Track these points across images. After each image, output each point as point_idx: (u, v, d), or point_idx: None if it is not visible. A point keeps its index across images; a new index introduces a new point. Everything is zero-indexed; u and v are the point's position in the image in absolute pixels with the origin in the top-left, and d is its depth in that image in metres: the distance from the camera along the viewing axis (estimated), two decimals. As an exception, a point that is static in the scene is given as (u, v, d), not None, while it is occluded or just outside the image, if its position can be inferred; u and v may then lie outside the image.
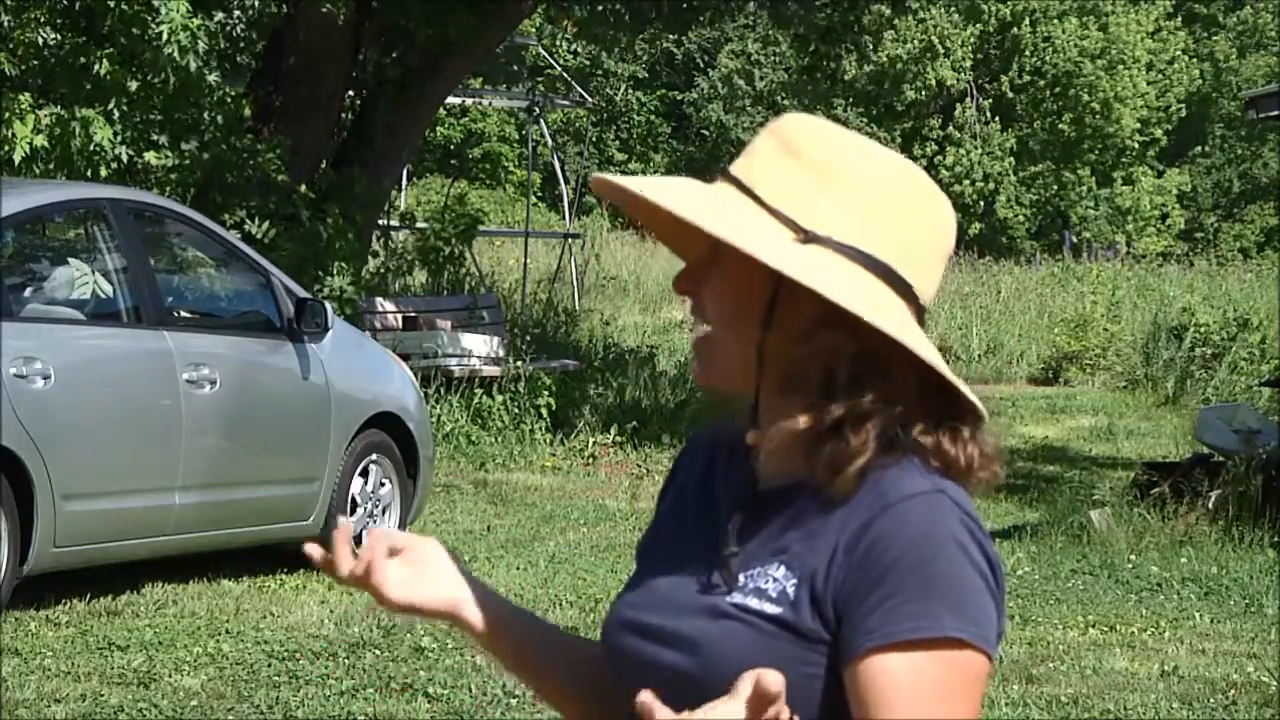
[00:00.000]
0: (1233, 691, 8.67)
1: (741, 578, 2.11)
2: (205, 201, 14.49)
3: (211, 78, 14.23)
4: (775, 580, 2.09)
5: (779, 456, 2.14)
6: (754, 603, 2.09)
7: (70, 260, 10.25)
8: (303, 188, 15.62)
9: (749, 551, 2.12)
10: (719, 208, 2.11)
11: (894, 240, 2.12)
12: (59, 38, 14.10)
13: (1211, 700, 8.51)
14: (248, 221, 14.98)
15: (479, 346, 17.67)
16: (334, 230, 15.81)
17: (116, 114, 13.85)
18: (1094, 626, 10.02)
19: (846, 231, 2.11)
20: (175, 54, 13.61)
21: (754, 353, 2.11)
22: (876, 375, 2.09)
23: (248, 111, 15.33)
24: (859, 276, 2.09)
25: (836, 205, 2.11)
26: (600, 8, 19.15)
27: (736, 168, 2.16)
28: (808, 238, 2.10)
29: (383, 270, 19.53)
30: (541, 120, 25.60)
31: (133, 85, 13.98)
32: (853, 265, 2.10)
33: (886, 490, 2.07)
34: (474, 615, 2.28)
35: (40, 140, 13.41)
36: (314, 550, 2.28)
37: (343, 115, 17.33)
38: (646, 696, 1.89)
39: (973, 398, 2.12)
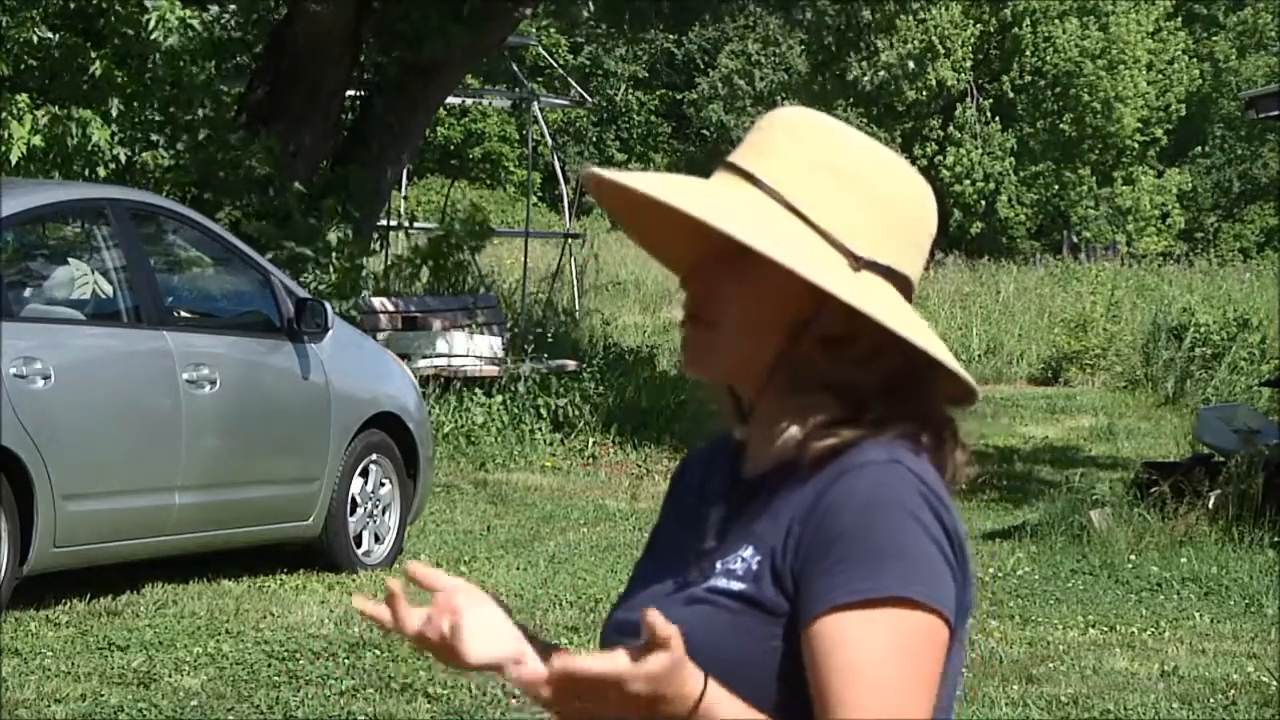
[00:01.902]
0: (1233, 691, 8.66)
1: (718, 565, 2.15)
2: (200, 200, 14.49)
3: (201, 72, 14.25)
4: (743, 560, 2.14)
5: (763, 448, 2.19)
6: (723, 583, 2.14)
7: (70, 260, 10.25)
8: (295, 185, 15.61)
9: (727, 542, 2.17)
10: (765, 225, 2.13)
11: (904, 246, 2.20)
12: (52, 37, 14.10)
13: (1211, 700, 8.50)
14: (243, 221, 14.97)
15: (478, 346, 17.66)
16: (330, 228, 15.80)
17: (114, 113, 13.86)
18: (1094, 626, 10.01)
19: (881, 249, 2.17)
20: (160, 36, 13.65)
21: (770, 358, 2.16)
22: (911, 389, 2.16)
23: (233, 101, 15.36)
24: (892, 296, 2.17)
25: (872, 223, 2.17)
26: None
27: (759, 169, 2.18)
28: (859, 264, 2.16)
29: (388, 270, 19.53)
30: (541, 120, 25.58)
31: (129, 84, 13.99)
32: (886, 284, 2.17)
33: (843, 461, 2.12)
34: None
35: (37, 141, 13.41)
36: (372, 608, 2.10)
37: (343, 115, 17.33)
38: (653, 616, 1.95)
39: (969, 379, 2.19)
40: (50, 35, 14.06)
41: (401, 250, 21.06)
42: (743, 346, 2.17)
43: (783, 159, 2.17)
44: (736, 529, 2.17)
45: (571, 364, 18.33)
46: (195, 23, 13.90)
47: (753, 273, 2.13)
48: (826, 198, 2.15)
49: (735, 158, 2.21)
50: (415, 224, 21.58)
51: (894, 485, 2.09)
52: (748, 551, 2.13)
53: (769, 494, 2.16)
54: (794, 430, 2.14)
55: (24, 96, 13.64)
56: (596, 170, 2.18)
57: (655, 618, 1.95)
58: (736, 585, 2.12)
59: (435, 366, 16.86)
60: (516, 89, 24.51)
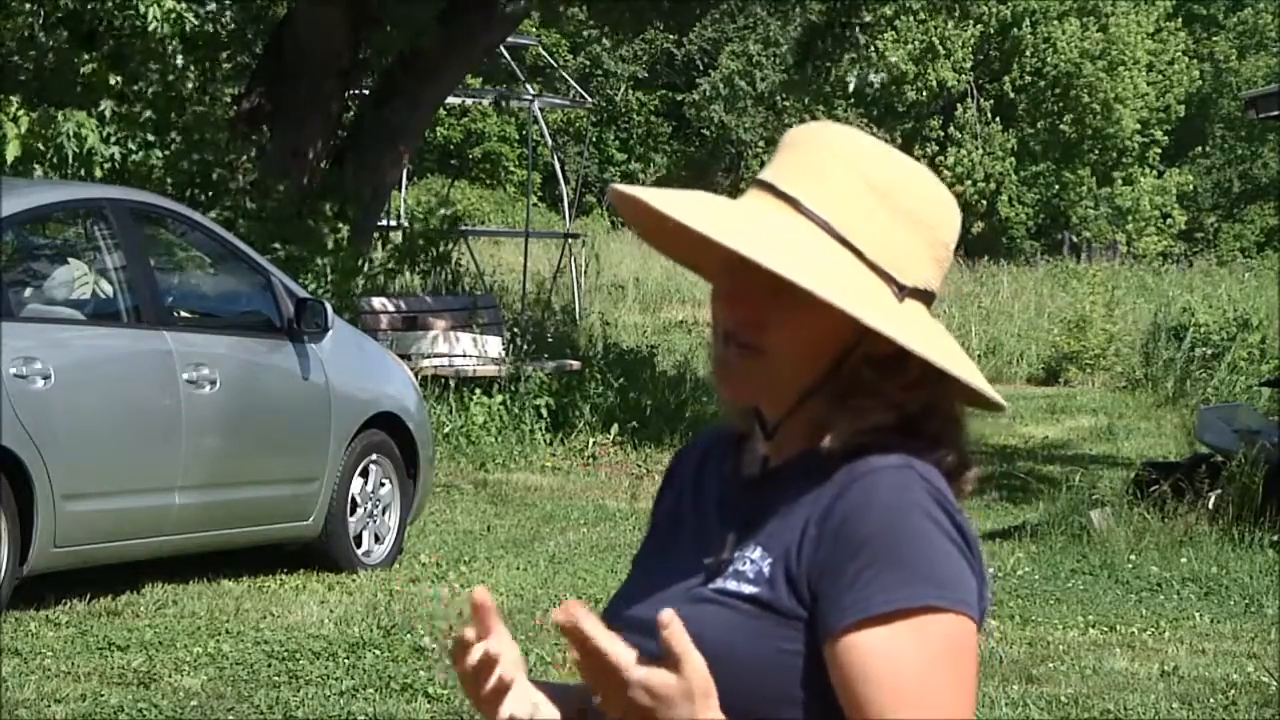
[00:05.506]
0: (1233, 691, 8.66)
1: (725, 565, 2.14)
2: (193, 200, 14.49)
3: (195, 70, 14.28)
4: (752, 561, 2.12)
5: (783, 452, 2.18)
6: (732, 585, 2.12)
7: (70, 260, 10.25)
8: (284, 185, 15.61)
9: (732, 541, 2.16)
10: (812, 258, 2.10)
11: (939, 266, 2.19)
12: (47, 40, 14.11)
13: (1211, 700, 8.50)
14: (238, 220, 14.96)
15: (478, 347, 17.66)
16: (328, 228, 15.80)
17: (107, 114, 13.86)
18: (1094, 626, 10.01)
19: (921, 274, 2.16)
20: (155, 27, 13.66)
21: (810, 382, 2.14)
22: (949, 411, 2.17)
23: (231, 101, 15.38)
24: (928, 320, 2.16)
25: (915, 249, 2.16)
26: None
27: (804, 195, 2.14)
28: (903, 293, 2.14)
29: (375, 270, 19.54)
30: (541, 120, 25.58)
31: (122, 84, 14.00)
32: (922, 307, 2.16)
33: (856, 465, 2.11)
34: None
35: (32, 142, 13.41)
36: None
37: (342, 115, 17.33)
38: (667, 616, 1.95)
39: (999, 398, 2.19)
40: (43, 36, 14.08)
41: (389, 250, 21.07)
42: (790, 374, 2.14)
43: (828, 184, 2.13)
44: (742, 528, 2.16)
45: (572, 364, 18.34)
46: (189, 15, 13.91)
47: (802, 304, 2.09)
48: (873, 225, 2.13)
49: (774, 179, 2.16)
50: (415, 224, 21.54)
51: (909, 489, 2.08)
52: (756, 553, 2.12)
53: (776, 494, 2.15)
54: (843, 429, 2.13)
55: (17, 98, 13.64)
56: (621, 188, 2.15)
57: (673, 634, 1.95)
58: (748, 588, 2.11)
59: (435, 366, 16.86)
60: (514, 88, 24.51)
